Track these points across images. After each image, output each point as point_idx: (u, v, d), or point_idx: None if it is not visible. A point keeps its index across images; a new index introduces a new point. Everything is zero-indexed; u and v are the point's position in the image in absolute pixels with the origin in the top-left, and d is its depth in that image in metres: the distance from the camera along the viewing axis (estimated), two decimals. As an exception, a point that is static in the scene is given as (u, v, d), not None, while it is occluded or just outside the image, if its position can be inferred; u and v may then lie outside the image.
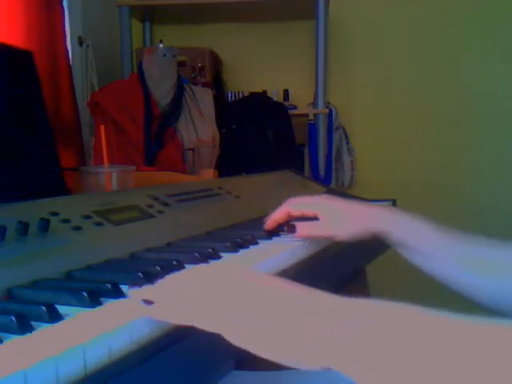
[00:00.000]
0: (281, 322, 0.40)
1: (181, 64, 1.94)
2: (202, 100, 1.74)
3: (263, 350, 0.40)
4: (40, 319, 0.43)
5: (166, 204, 0.87)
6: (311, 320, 0.39)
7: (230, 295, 0.43)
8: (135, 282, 0.52)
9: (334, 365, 0.37)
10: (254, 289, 0.43)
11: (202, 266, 0.62)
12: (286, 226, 0.77)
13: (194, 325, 0.43)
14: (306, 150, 2.27)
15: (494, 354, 0.33)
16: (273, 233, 0.81)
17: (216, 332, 0.42)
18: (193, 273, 0.50)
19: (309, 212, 0.76)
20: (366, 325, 0.37)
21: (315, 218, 0.75)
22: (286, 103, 2.27)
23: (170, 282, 0.48)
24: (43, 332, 0.41)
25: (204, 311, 0.43)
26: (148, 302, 0.45)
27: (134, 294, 0.48)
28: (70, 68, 1.60)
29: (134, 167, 1.16)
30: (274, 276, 0.46)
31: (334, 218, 0.74)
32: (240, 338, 0.41)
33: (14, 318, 0.41)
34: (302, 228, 0.76)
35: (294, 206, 0.78)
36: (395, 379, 0.35)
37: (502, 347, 0.33)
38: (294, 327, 0.39)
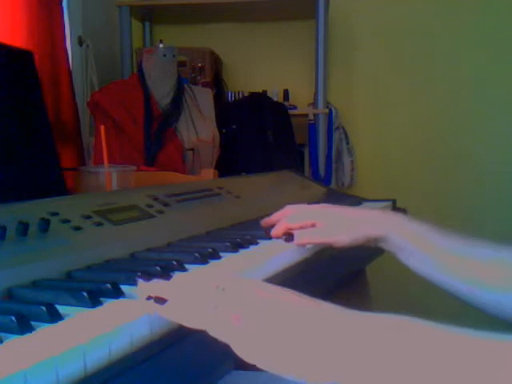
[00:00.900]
0: (288, 337, 0.40)
1: (181, 64, 1.94)
2: (202, 100, 1.74)
3: (271, 365, 0.40)
4: (40, 319, 0.43)
5: (166, 204, 0.87)
6: (318, 335, 0.39)
7: (241, 308, 0.42)
8: (135, 282, 0.52)
9: (341, 380, 0.38)
10: (262, 304, 0.43)
11: (212, 268, 0.62)
12: (284, 236, 0.76)
13: (206, 330, 0.43)
14: (306, 150, 2.27)
15: (497, 368, 0.33)
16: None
17: (226, 342, 0.42)
18: (203, 275, 0.50)
19: (307, 222, 0.75)
20: (372, 340, 0.38)
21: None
22: (285, 103, 2.27)
23: (180, 283, 0.48)
24: (43, 332, 0.41)
25: (216, 320, 0.43)
26: (161, 301, 0.45)
27: (144, 288, 0.47)
28: (69, 68, 1.60)
29: (134, 167, 1.16)
30: (280, 288, 0.46)
31: (334, 225, 0.74)
32: (248, 352, 0.41)
33: (14, 318, 0.41)
34: (301, 236, 0.75)
35: (291, 218, 0.77)
36: None
37: (503, 363, 0.33)
38: (301, 342, 0.39)
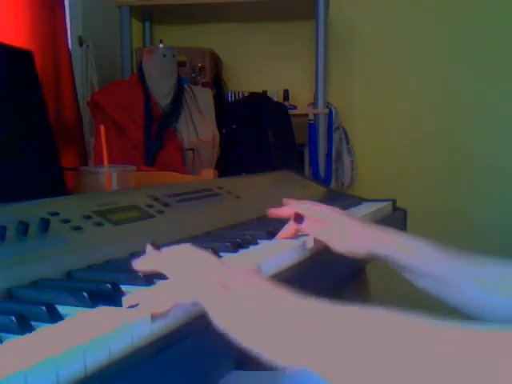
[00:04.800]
0: (268, 317, 0.41)
1: (181, 64, 1.94)
2: (202, 100, 1.74)
3: (245, 339, 0.42)
4: (40, 319, 0.43)
5: (166, 204, 0.87)
6: (294, 321, 0.41)
7: (233, 279, 0.45)
8: (135, 282, 0.52)
9: (312, 365, 0.39)
10: (252, 281, 0.45)
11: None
12: (295, 215, 0.77)
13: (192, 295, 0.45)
14: (306, 150, 2.27)
15: (474, 359, 0.34)
16: (273, 233, 0.81)
17: (206, 306, 0.43)
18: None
19: (317, 219, 0.76)
20: (346, 331, 0.39)
21: None
22: (285, 103, 2.27)
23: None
24: (43, 332, 0.41)
25: (202, 284, 0.45)
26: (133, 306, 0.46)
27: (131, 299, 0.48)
28: (72, 68, 1.60)
29: (134, 167, 1.16)
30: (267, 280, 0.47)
31: (339, 231, 0.74)
32: (226, 321, 0.43)
33: (14, 318, 0.41)
34: (309, 223, 0.76)
35: (302, 207, 0.79)
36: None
37: (483, 353, 0.34)
38: (279, 324, 0.41)
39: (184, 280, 0.46)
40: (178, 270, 0.47)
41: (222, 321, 0.42)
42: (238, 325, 0.42)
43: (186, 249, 0.50)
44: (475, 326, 0.36)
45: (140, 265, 0.52)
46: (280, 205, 0.82)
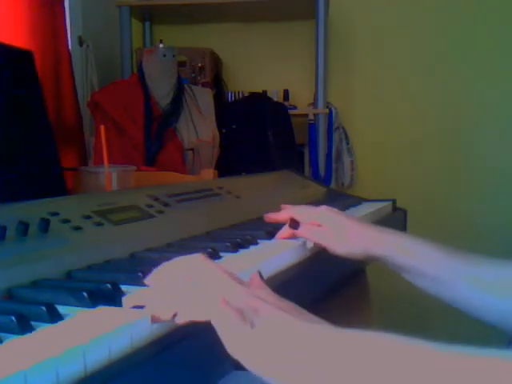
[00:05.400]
0: (291, 357, 0.40)
1: (181, 64, 1.94)
2: (202, 100, 1.74)
3: (263, 372, 0.40)
4: (40, 319, 0.43)
5: (166, 204, 0.87)
6: (305, 350, 0.40)
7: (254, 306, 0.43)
8: (135, 282, 0.52)
9: None
10: (271, 329, 0.43)
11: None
12: (290, 221, 0.77)
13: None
14: (306, 150, 2.27)
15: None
16: (273, 233, 0.81)
17: (221, 336, 0.42)
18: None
19: (314, 222, 0.76)
20: (353, 360, 0.38)
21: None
22: (285, 103, 2.27)
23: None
24: (43, 332, 0.41)
25: (220, 313, 0.42)
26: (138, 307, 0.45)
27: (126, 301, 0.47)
28: (72, 68, 1.60)
29: (134, 167, 1.16)
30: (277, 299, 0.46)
31: (337, 232, 0.74)
32: (249, 362, 0.41)
33: (14, 318, 0.41)
34: (305, 228, 0.76)
35: (298, 211, 0.79)
36: None
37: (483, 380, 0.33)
38: (283, 352, 0.40)
39: (197, 298, 0.44)
40: (191, 283, 0.46)
41: (242, 357, 0.41)
42: (259, 362, 0.40)
43: (198, 259, 0.49)
44: (475, 350, 0.36)
45: (151, 280, 0.51)
46: (278, 207, 0.82)
